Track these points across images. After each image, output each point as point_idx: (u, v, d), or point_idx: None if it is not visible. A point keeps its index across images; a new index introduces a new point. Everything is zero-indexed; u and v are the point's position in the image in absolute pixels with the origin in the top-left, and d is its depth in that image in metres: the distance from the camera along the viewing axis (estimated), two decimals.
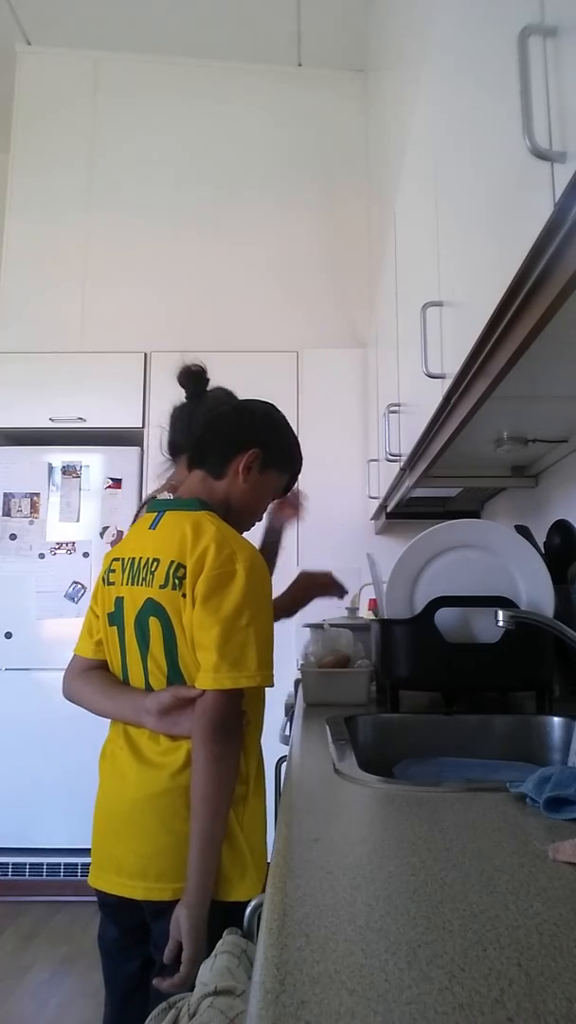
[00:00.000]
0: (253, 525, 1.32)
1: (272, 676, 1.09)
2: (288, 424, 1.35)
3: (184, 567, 1.11)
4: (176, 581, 1.11)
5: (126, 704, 1.15)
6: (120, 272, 3.29)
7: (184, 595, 1.10)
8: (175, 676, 1.11)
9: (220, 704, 1.05)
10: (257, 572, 1.11)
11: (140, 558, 1.18)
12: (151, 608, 1.14)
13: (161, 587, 1.13)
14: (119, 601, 1.20)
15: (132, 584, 1.18)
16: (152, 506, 1.26)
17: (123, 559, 1.22)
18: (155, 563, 1.15)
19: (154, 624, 1.14)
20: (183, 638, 1.11)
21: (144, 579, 1.16)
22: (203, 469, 1.26)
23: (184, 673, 1.11)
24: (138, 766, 1.11)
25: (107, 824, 1.14)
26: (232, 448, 1.25)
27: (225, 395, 1.36)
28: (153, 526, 1.20)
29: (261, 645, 1.07)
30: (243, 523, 1.27)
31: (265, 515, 1.39)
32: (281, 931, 0.44)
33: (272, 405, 1.36)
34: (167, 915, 1.04)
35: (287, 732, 1.67)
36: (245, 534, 1.22)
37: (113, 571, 1.24)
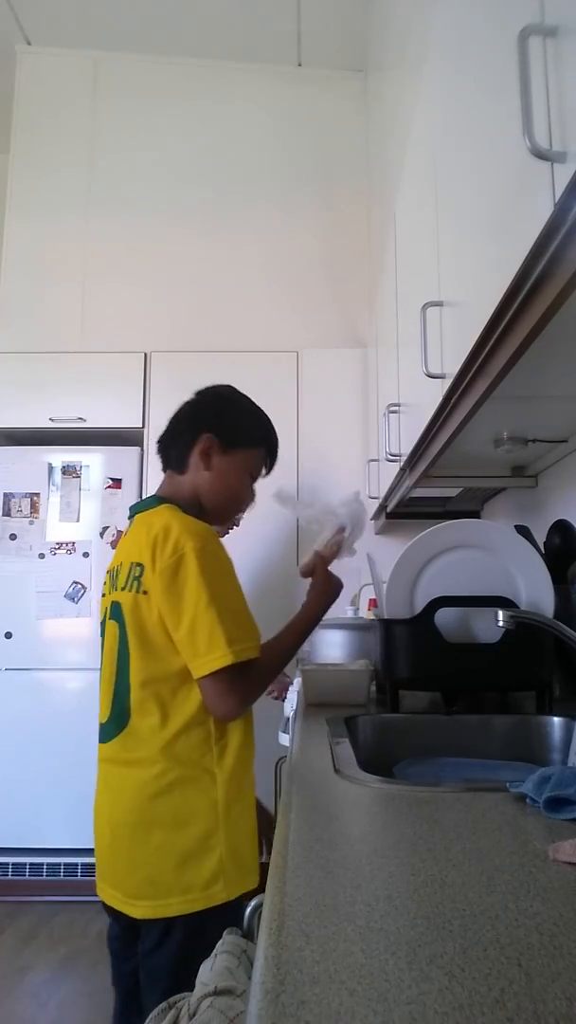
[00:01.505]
0: (237, 512, 1.28)
1: (251, 647, 1.08)
2: (243, 398, 1.28)
3: (141, 565, 1.11)
4: (134, 582, 1.12)
5: None
6: (120, 272, 3.29)
7: (145, 592, 1.10)
8: (122, 684, 1.13)
9: (213, 687, 1.06)
10: (208, 549, 1.09)
11: (116, 566, 1.21)
12: (112, 612, 1.16)
13: (123, 588, 1.14)
14: (105, 611, 1.23)
15: (111, 592, 1.20)
16: (129, 515, 1.27)
17: (110, 570, 1.24)
18: (120, 566, 1.17)
19: (111, 628, 1.16)
20: (138, 639, 1.11)
21: (116, 585, 1.18)
22: (169, 468, 1.26)
23: (133, 677, 1.11)
24: (114, 786, 1.14)
25: (99, 839, 1.17)
26: (186, 439, 1.22)
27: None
28: (126, 532, 1.23)
29: (228, 620, 1.06)
30: (223, 514, 1.25)
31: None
32: (281, 931, 0.44)
33: (227, 386, 1.30)
34: (155, 931, 1.06)
35: (286, 730, 1.67)
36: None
37: (104, 583, 1.26)
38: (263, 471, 1.30)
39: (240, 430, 1.24)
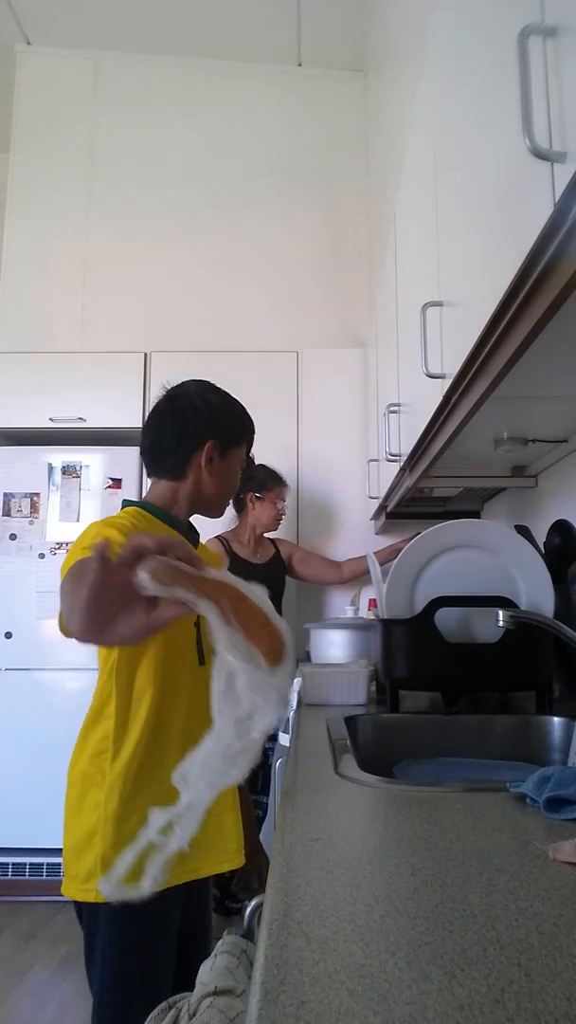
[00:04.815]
0: (228, 503, 1.31)
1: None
2: (229, 399, 1.29)
3: None
4: None
5: None
6: (120, 272, 3.29)
7: None
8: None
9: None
10: (81, 535, 1.08)
11: None
12: None
13: None
14: None
15: None
16: None
17: None
18: None
19: None
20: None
21: None
22: (161, 476, 1.23)
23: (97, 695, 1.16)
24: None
25: None
26: (188, 447, 1.21)
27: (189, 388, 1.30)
28: None
29: (67, 594, 0.99)
30: (223, 508, 1.29)
31: None
32: (281, 931, 0.44)
33: (207, 384, 1.29)
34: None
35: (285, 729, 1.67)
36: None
37: None
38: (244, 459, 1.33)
39: (233, 434, 1.26)
